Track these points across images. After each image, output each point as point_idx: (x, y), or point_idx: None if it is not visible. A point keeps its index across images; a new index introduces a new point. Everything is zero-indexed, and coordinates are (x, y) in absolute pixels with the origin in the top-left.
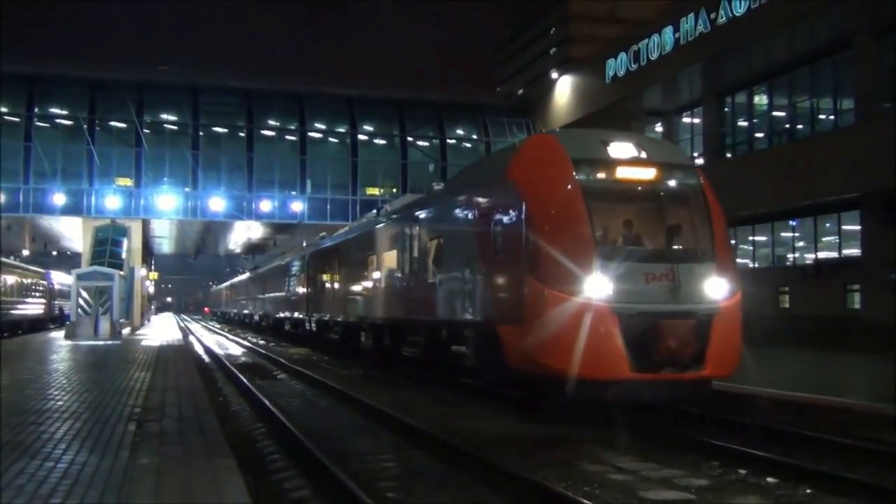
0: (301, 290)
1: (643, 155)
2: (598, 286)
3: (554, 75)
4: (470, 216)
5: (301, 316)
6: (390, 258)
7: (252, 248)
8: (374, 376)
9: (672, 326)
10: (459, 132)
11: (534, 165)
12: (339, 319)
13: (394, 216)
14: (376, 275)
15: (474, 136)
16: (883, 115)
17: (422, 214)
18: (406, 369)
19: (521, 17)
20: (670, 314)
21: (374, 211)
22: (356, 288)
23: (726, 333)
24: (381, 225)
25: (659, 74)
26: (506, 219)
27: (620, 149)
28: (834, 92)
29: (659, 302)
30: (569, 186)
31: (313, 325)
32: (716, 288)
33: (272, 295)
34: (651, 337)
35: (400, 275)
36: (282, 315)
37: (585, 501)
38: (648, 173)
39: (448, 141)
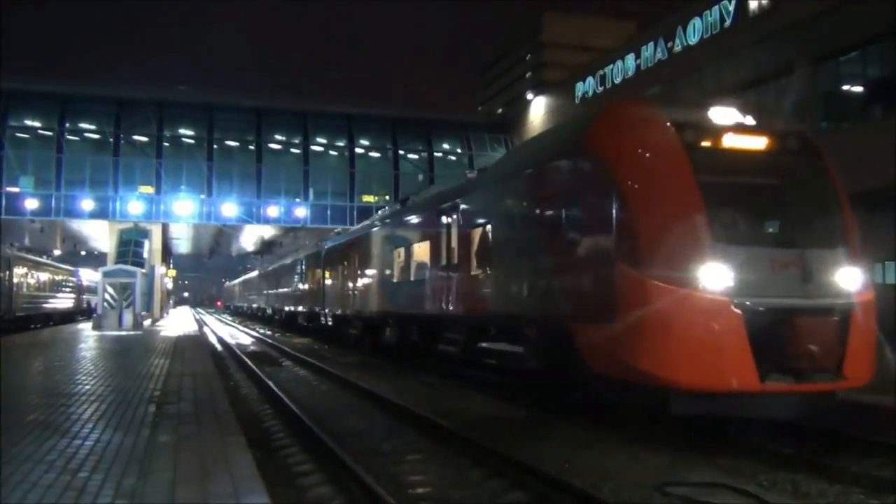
0: (316, 284)
1: (752, 122)
2: (715, 275)
3: (529, 96)
4: (530, 199)
5: (316, 310)
6: (422, 250)
7: (260, 249)
8: (370, 363)
9: (811, 325)
10: (445, 146)
11: (625, 133)
12: (359, 313)
13: (426, 206)
14: (405, 267)
15: (459, 150)
16: None
17: (462, 201)
18: (407, 358)
19: (500, 45)
20: (806, 310)
21: (398, 204)
22: (380, 281)
23: (864, 334)
24: (411, 216)
25: (623, 96)
26: (586, 197)
27: (725, 114)
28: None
29: (790, 295)
30: (673, 155)
31: (329, 318)
32: (850, 279)
33: (285, 289)
34: (785, 338)
35: (434, 267)
36: (295, 309)
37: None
38: (762, 142)
39: (435, 154)
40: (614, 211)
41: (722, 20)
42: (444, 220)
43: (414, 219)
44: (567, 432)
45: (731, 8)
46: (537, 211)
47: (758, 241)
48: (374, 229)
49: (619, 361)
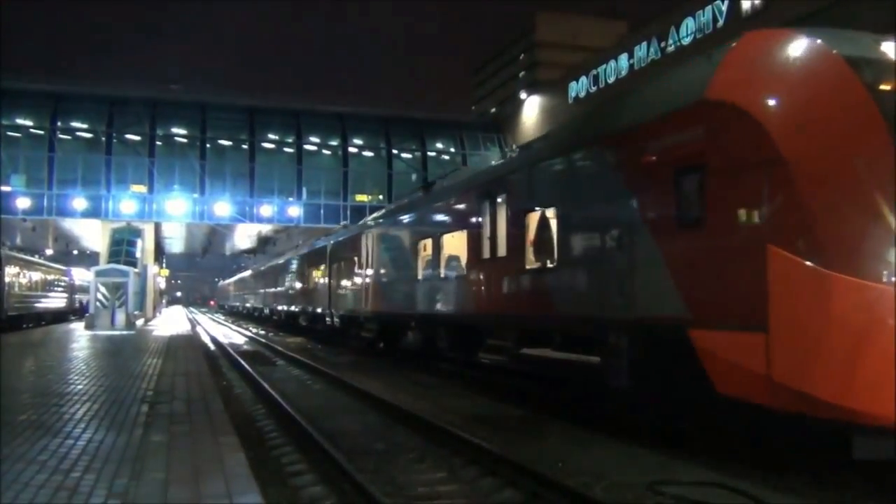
0: (321, 282)
1: None
2: None
3: (522, 96)
4: (621, 170)
5: (321, 310)
6: (455, 241)
7: (254, 248)
8: (363, 363)
9: None
10: (439, 146)
11: (781, 73)
12: (374, 314)
13: (461, 189)
14: (433, 262)
15: (452, 149)
16: None
17: (513, 180)
18: (398, 358)
19: (494, 44)
20: None
21: (419, 191)
22: (401, 278)
23: None
24: (441, 202)
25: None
26: (716, 161)
27: None
28: None
29: None
30: (857, 104)
31: (336, 319)
32: None
33: (285, 288)
34: None
35: (473, 260)
36: (296, 309)
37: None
38: None
39: (429, 153)
40: (768, 179)
41: (715, 20)
42: (487, 204)
43: (444, 205)
44: (561, 432)
45: (724, 8)
46: (633, 185)
47: None
48: (393, 219)
49: (770, 383)
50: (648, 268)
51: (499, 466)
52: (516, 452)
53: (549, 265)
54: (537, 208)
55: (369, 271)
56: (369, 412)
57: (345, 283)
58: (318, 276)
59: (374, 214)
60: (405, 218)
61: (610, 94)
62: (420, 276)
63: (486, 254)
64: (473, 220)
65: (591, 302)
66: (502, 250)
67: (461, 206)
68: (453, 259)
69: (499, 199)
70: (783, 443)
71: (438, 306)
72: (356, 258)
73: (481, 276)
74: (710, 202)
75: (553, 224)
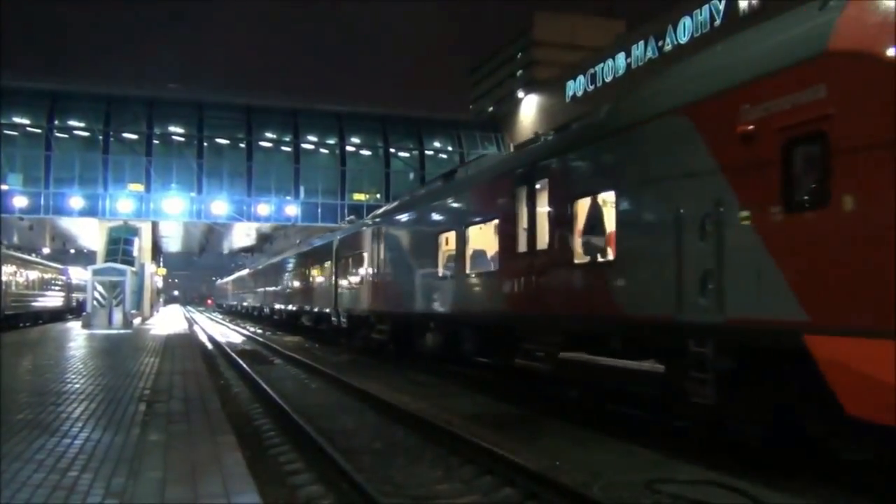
0: (327, 280)
1: None
2: None
3: (520, 95)
4: (707, 144)
5: (326, 310)
6: (484, 234)
7: (252, 247)
8: (362, 362)
9: None
10: (436, 144)
11: None
12: (387, 314)
13: (490, 175)
14: (457, 257)
15: (449, 148)
16: None
17: (557, 165)
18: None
19: (491, 43)
20: None
21: (439, 180)
22: (418, 275)
23: None
24: (465, 191)
25: (613, 95)
26: (844, 130)
27: None
28: None
29: None
30: None
31: (343, 320)
32: None
33: (286, 286)
34: None
35: (508, 254)
36: (298, 308)
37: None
38: None
39: (426, 152)
40: None
41: (712, 19)
42: (524, 190)
43: (470, 193)
44: (559, 431)
45: (721, 7)
46: (724, 160)
47: None
48: (409, 212)
49: None
50: (745, 260)
51: (496, 465)
52: (514, 451)
53: (606, 258)
54: (589, 193)
55: (381, 268)
56: (367, 411)
57: (353, 280)
58: (324, 274)
59: (386, 207)
60: (423, 210)
61: (681, 60)
62: (441, 273)
63: (523, 247)
64: (507, 209)
65: (662, 302)
66: (543, 242)
67: (492, 195)
68: (481, 253)
69: (538, 185)
70: (782, 442)
71: (463, 305)
72: (367, 254)
73: (517, 272)
74: (835, 178)
75: (610, 211)
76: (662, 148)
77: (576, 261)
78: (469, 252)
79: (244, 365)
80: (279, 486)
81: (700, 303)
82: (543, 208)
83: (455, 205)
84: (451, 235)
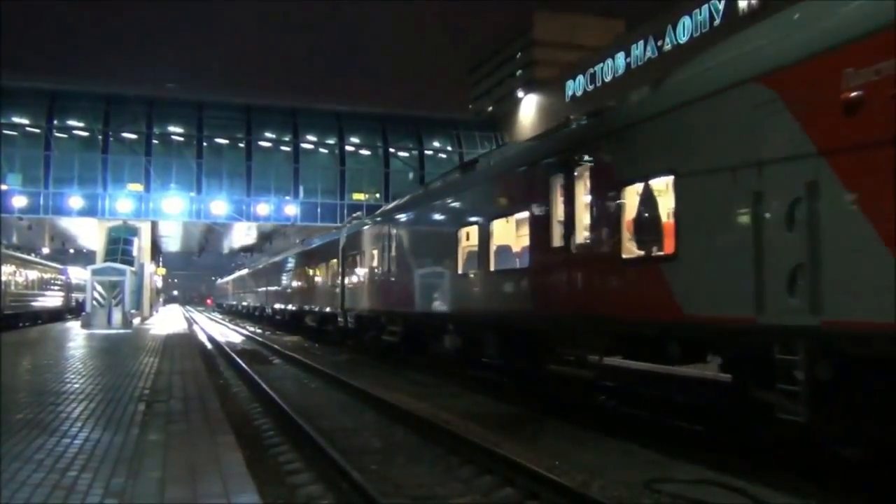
0: (332, 279)
1: None
2: None
3: (520, 94)
4: (798, 118)
5: (330, 309)
6: (511, 228)
7: (251, 247)
8: (361, 362)
9: None
10: (436, 144)
11: None
12: (399, 314)
13: (518, 166)
14: (479, 253)
15: (449, 148)
16: None
17: (595, 150)
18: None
19: (490, 43)
20: None
21: (456, 171)
22: (434, 273)
23: None
24: (489, 184)
25: (613, 94)
26: None
27: None
28: None
29: None
30: None
31: (350, 320)
32: None
33: (289, 285)
34: None
35: (541, 249)
36: (301, 308)
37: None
38: None
39: (426, 152)
40: None
41: (711, 19)
42: (558, 180)
43: (494, 185)
44: (558, 430)
45: (721, 7)
46: (822, 135)
47: None
48: (423, 206)
49: None
50: (849, 253)
51: (496, 465)
52: (513, 451)
53: (662, 252)
54: (641, 179)
55: (393, 266)
56: (367, 411)
57: (362, 279)
58: (329, 272)
59: (398, 201)
60: (439, 204)
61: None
62: (461, 270)
63: (559, 241)
64: (539, 200)
65: (735, 301)
66: (584, 236)
67: (520, 185)
68: (508, 249)
69: (577, 172)
70: (782, 442)
71: (486, 305)
72: (377, 251)
73: (552, 269)
74: None
75: (668, 198)
76: (737, 125)
77: (624, 256)
78: (494, 248)
79: (243, 364)
80: (279, 485)
81: (787, 303)
82: (583, 198)
83: (477, 197)
84: (473, 230)
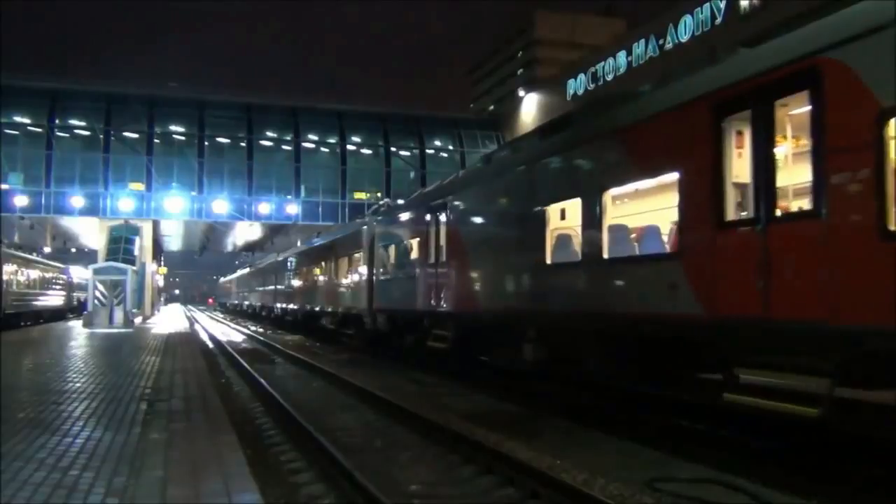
0: (357, 274)
1: None
2: None
3: (521, 93)
4: None
5: (357, 310)
6: (637, 201)
7: (252, 247)
8: (362, 361)
9: None
10: (437, 143)
11: None
12: (451, 315)
13: (656, 110)
14: (585, 236)
15: (450, 147)
16: None
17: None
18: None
19: (491, 42)
20: None
21: (535, 135)
22: (507, 264)
23: None
24: (603, 141)
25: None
26: None
27: None
28: None
29: None
30: None
31: (381, 321)
32: None
33: (302, 283)
34: None
35: (698, 228)
36: (319, 308)
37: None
38: None
39: (427, 151)
40: None
41: (713, 17)
42: (731, 127)
43: (611, 142)
44: (559, 430)
45: (722, 5)
46: None
47: None
48: (489, 182)
49: None
50: None
51: (497, 464)
52: (515, 450)
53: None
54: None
55: (445, 257)
56: (368, 410)
57: (399, 274)
58: (353, 267)
59: (445, 180)
60: (515, 175)
61: None
62: (549, 260)
63: (733, 214)
64: (693, 157)
65: None
66: (786, 205)
67: (658, 140)
68: (641, 231)
69: (755, 117)
70: (781, 441)
71: (594, 305)
72: (419, 240)
73: (726, 253)
74: None
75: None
76: None
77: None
78: (607, 228)
79: (245, 364)
80: (280, 484)
81: None
82: (762, 153)
83: (580, 161)
84: (573, 206)
